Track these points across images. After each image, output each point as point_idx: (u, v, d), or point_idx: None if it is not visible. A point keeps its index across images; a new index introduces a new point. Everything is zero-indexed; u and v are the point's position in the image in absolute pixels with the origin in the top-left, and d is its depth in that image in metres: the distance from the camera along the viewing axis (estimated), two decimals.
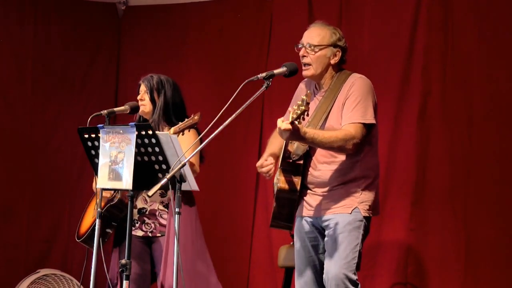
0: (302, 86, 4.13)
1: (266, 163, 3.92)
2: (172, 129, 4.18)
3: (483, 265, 5.05)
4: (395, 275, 5.29)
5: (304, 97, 3.47)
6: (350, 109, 3.79)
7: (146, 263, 4.46)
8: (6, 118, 6.29)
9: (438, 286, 5.19)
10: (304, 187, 3.94)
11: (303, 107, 3.46)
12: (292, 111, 3.51)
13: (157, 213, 4.42)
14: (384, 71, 5.34)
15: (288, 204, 3.94)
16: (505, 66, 5.07)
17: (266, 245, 5.89)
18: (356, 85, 3.84)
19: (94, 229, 4.29)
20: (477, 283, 5.06)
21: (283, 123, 3.51)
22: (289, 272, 5.16)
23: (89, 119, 4.04)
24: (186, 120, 4.13)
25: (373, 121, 3.80)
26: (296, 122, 3.52)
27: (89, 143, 3.80)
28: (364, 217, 3.85)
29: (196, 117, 4.09)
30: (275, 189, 3.93)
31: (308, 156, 3.91)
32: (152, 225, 4.40)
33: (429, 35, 5.30)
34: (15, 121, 6.33)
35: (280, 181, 3.88)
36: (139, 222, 4.40)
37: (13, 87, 6.34)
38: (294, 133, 3.56)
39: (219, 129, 3.40)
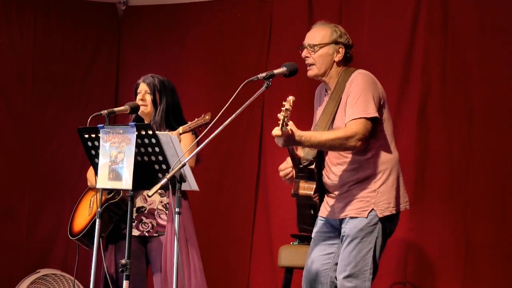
0: (316, 92, 4.11)
1: (284, 166, 3.94)
2: (181, 128, 4.17)
3: (483, 265, 5.05)
4: (395, 275, 5.29)
5: (284, 103, 3.47)
6: (351, 106, 3.76)
7: (142, 263, 4.45)
8: (6, 118, 6.29)
9: (438, 286, 5.19)
10: (323, 191, 3.92)
11: (283, 113, 3.46)
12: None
13: (155, 213, 4.41)
14: (384, 71, 5.32)
15: (309, 208, 3.95)
16: (505, 66, 5.07)
17: (266, 245, 5.89)
18: (355, 82, 3.81)
19: (90, 227, 4.29)
20: (477, 283, 5.06)
21: (273, 131, 3.50)
22: (289, 272, 5.16)
23: (89, 119, 4.03)
24: (196, 119, 4.12)
25: (375, 115, 3.74)
26: (283, 129, 3.49)
27: (89, 143, 3.79)
28: (382, 217, 3.78)
29: (207, 117, 4.08)
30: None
31: (321, 159, 3.89)
32: (150, 224, 4.39)
33: (428, 35, 5.30)
34: (15, 121, 6.33)
35: (294, 188, 3.90)
36: (135, 221, 4.38)
37: (13, 87, 6.34)
38: (288, 139, 3.55)
39: (219, 129, 3.40)
